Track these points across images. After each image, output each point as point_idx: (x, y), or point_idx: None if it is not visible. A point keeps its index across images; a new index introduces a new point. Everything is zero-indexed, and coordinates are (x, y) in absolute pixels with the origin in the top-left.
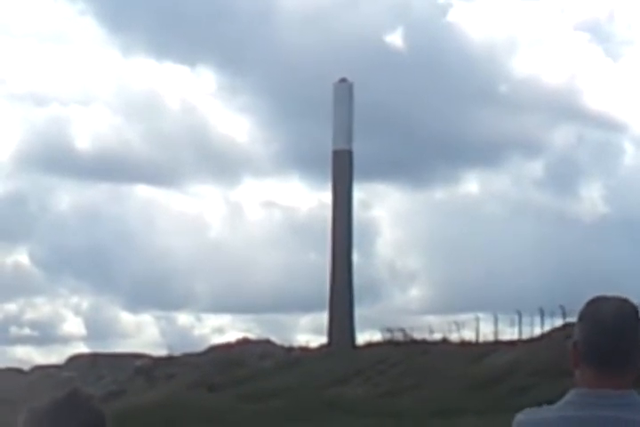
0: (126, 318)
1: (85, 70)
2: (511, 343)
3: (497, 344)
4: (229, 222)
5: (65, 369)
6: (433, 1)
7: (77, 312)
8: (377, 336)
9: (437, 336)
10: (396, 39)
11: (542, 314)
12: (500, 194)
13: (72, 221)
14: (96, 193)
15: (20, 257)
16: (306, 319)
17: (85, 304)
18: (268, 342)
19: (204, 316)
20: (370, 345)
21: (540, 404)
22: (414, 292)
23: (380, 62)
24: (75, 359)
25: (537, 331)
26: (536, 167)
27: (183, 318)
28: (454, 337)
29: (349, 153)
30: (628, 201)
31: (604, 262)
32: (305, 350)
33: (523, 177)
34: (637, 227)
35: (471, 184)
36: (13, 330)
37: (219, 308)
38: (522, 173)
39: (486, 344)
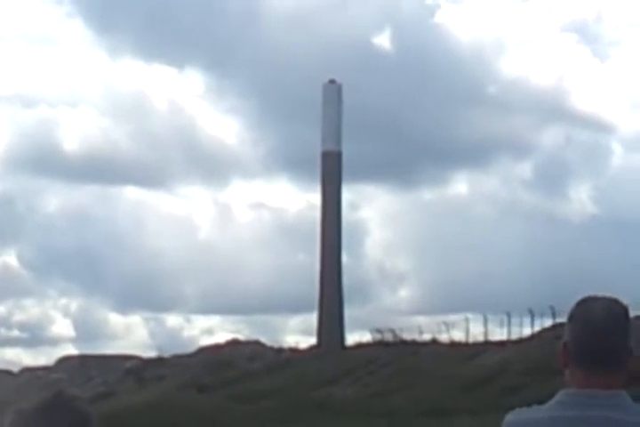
0: (115, 319)
1: (73, 72)
2: (501, 344)
3: (487, 345)
4: (218, 224)
5: (54, 371)
6: (421, 2)
7: (66, 314)
8: (367, 337)
9: (427, 337)
10: (384, 40)
11: (532, 314)
12: (488, 195)
13: (61, 222)
14: (84, 195)
15: (9, 259)
16: (295, 320)
17: (74, 306)
18: (257, 343)
19: (194, 317)
20: (359, 346)
21: (529, 404)
22: (404, 292)
23: (368, 64)
24: (64, 361)
25: (527, 331)
26: (525, 168)
27: (172, 320)
28: (444, 338)
29: (338, 154)
30: (616, 201)
31: (593, 263)
32: (295, 350)
33: (511, 178)
34: (626, 227)
35: (460, 185)
36: (2, 332)
37: (208, 309)
38: (511, 174)
39: (476, 345)
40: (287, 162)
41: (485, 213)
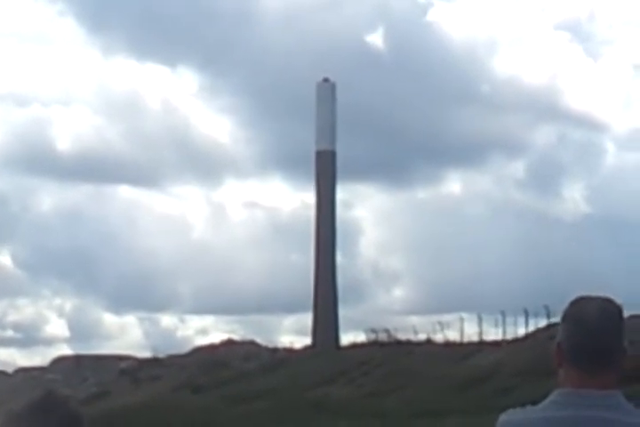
0: (110, 319)
1: (66, 71)
2: (495, 344)
3: (481, 345)
4: (212, 223)
5: (49, 371)
6: (413, 1)
7: (61, 314)
8: (361, 337)
9: (421, 337)
10: (377, 39)
11: (526, 314)
12: (482, 194)
13: (54, 222)
14: (78, 194)
15: (3, 258)
16: (290, 320)
17: (68, 306)
18: (252, 343)
19: (188, 317)
20: (354, 346)
21: (523, 404)
22: (398, 292)
23: (362, 62)
24: (59, 361)
25: (521, 331)
26: (518, 167)
27: (167, 320)
28: (438, 338)
29: (332, 153)
30: (609, 201)
31: (587, 262)
32: (289, 351)
33: (505, 177)
34: (619, 226)
35: (453, 184)
36: None
37: (202, 309)
38: (504, 173)
39: (470, 345)
40: (281, 161)
41: (479, 212)
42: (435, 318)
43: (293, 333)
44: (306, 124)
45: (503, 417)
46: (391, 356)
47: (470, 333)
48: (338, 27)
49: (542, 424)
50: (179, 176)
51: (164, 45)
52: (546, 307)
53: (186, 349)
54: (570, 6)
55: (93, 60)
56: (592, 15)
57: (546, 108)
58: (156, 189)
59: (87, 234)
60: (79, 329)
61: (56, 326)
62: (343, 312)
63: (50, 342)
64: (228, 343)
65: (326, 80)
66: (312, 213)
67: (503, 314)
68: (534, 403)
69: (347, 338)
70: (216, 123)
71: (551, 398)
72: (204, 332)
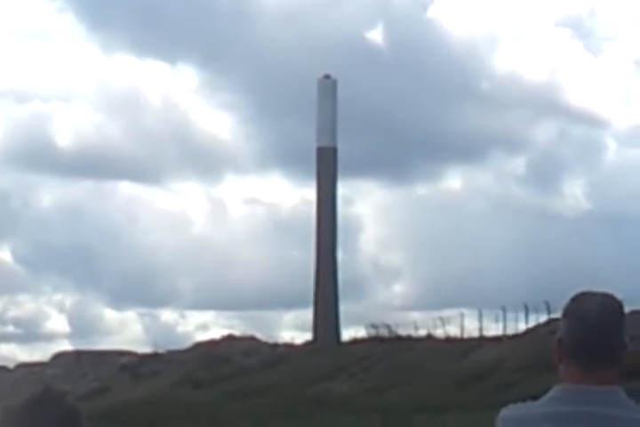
0: (110, 315)
1: (66, 67)
2: (496, 339)
3: (482, 340)
4: (213, 219)
5: (49, 367)
6: None
7: (61, 309)
8: (362, 332)
9: (422, 332)
10: (377, 36)
11: (527, 310)
12: (482, 190)
13: (55, 218)
14: (79, 190)
15: (3, 254)
16: (290, 316)
17: (69, 301)
18: (252, 338)
19: (188, 313)
20: (355, 341)
21: (524, 400)
22: (398, 288)
23: (363, 59)
24: (59, 357)
25: (522, 327)
26: (518, 163)
27: (167, 315)
28: (439, 333)
29: (333, 150)
30: (610, 197)
31: (587, 258)
32: (290, 346)
33: (505, 173)
34: (620, 222)
35: (454, 180)
36: None
37: (203, 304)
38: (504, 170)
39: (471, 340)
40: (282, 157)
41: (479, 208)
42: (435, 313)
43: (294, 328)
44: (306, 120)
45: (504, 412)
46: (392, 351)
47: (471, 328)
48: (338, 23)
49: (542, 420)
50: (179, 172)
51: (164, 42)
52: (546, 302)
53: (186, 344)
54: (570, 2)
55: (93, 57)
56: (593, 11)
57: (546, 105)
58: (157, 185)
59: (87, 230)
60: (80, 325)
61: (56, 322)
62: (344, 308)
63: (50, 337)
64: (229, 339)
65: (327, 77)
66: (312, 209)
67: (504, 309)
68: (535, 398)
69: (347, 333)
70: (216, 119)
71: (551, 393)
72: (204, 327)
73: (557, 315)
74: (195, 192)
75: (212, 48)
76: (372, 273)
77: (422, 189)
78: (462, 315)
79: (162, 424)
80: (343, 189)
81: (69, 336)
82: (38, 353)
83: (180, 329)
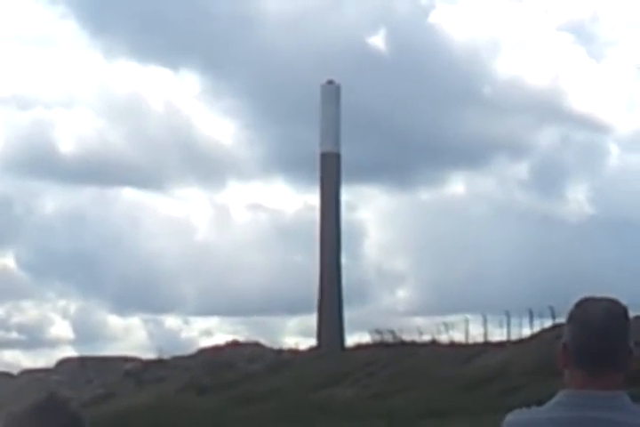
0: (114, 321)
1: (68, 73)
2: (500, 344)
3: (486, 345)
4: (216, 225)
5: (54, 373)
6: (415, 2)
7: (65, 316)
8: (366, 338)
9: (426, 338)
10: (380, 41)
11: (531, 315)
12: (485, 195)
13: (58, 224)
14: (82, 196)
15: (7, 261)
16: (294, 321)
17: (73, 308)
18: (257, 344)
19: (192, 318)
20: (359, 347)
21: (529, 405)
22: (403, 293)
23: (366, 65)
24: (64, 363)
25: (526, 332)
26: (521, 169)
27: (171, 321)
28: (443, 338)
29: (337, 155)
30: (613, 202)
31: (591, 263)
32: (294, 352)
33: (508, 178)
34: (623, 227)
35: (457, 186)
36: (1, 334)
37: (206, 310)
38: (507, 175)
39: (475, 345)
40: (285, 163)
41: (483, 213)
42: (439, 318)
43: (298, 334)
44: (310, 126)
45: (509, 417)
46: (396, 357)
47: (475, 334)
48: (341, 29)
49: (548, 425)
50: (182, 178)
51: (167, 48)
52: (551, 308)
53: (190, 350)
54: (573, 8)
55: (96, 63)
56: (595, 17)
57: (549, 110)
58: (160, 191)
59: (91, 236)
60: (84, 331)
61: (61, 328)
62: (348, 313)
63: (54, 343)
64: (233, 345)
65: (330, 82)
66: (316, 214)
67: (508, 315)
68: (541, 403)
69: (352, 339)
70: (219, 125)
71: (556, 398)
72: (208, 333)
73: (562, 320)
74: (198, 198)
75: (215, 54)
76: (375, 278)
77: (425, 195)
78: (467, 320)
79: None
80: (346, 194)
81: (73, 342)
82: (42, 359)
83: (185, 335)
